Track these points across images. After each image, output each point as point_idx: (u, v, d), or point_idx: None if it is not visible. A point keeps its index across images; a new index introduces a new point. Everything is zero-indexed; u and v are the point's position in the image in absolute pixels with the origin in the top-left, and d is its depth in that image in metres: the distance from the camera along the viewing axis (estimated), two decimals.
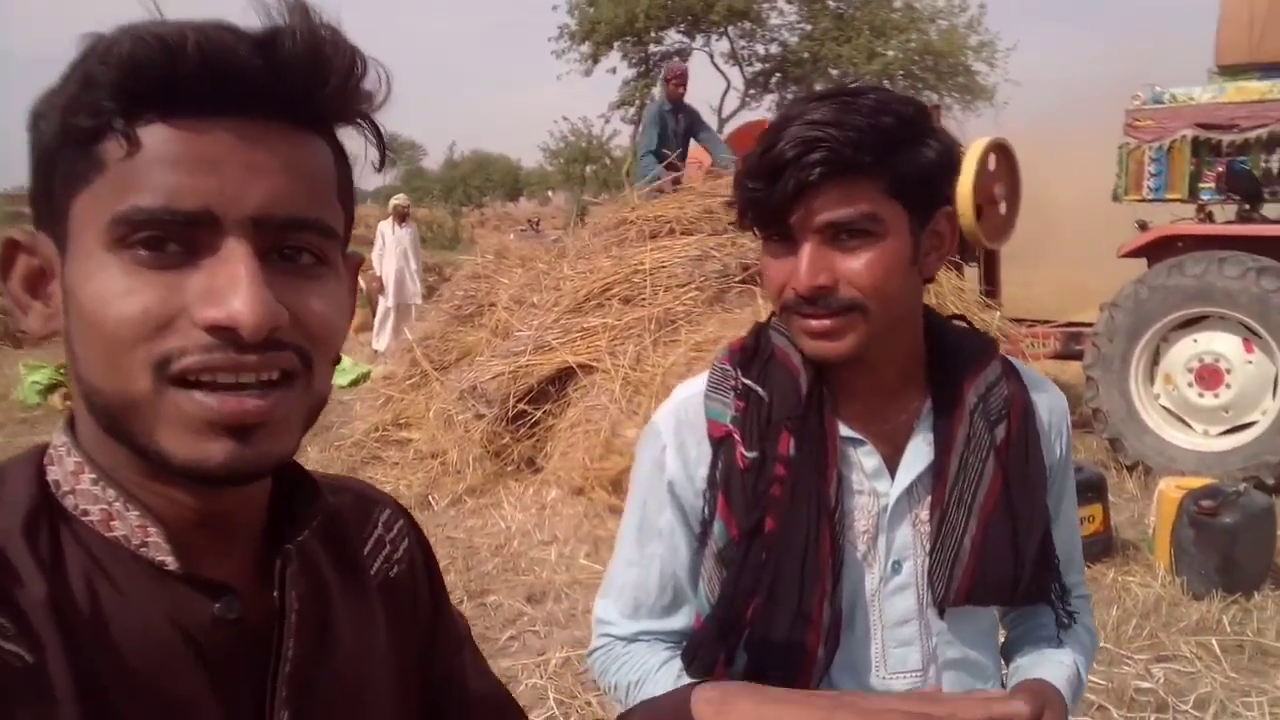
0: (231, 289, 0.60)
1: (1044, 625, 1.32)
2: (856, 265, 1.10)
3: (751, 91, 28.03)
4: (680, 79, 8.55)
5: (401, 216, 11.24)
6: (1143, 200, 6.60)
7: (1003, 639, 1.39)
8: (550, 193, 50.54)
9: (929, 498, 1.21)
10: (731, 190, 1.16)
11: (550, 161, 40.96)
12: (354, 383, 9.14)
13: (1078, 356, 6.64)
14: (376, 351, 10.65)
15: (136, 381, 0.61)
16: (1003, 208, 8.05)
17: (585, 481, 5.57)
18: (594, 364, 5.98)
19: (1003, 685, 1.31)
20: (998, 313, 6.68)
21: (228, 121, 0.62)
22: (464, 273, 7.89)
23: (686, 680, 1.19)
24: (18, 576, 0.62)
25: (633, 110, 27.09)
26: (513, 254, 7.85)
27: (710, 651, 1.19)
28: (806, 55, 26.55)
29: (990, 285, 7.97)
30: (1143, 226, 6.66)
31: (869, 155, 1.07)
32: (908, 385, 1.24)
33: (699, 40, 27.13)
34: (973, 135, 8.52)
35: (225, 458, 0.62)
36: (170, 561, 0.66)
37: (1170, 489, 4.63)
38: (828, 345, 1.14)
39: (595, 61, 26.50)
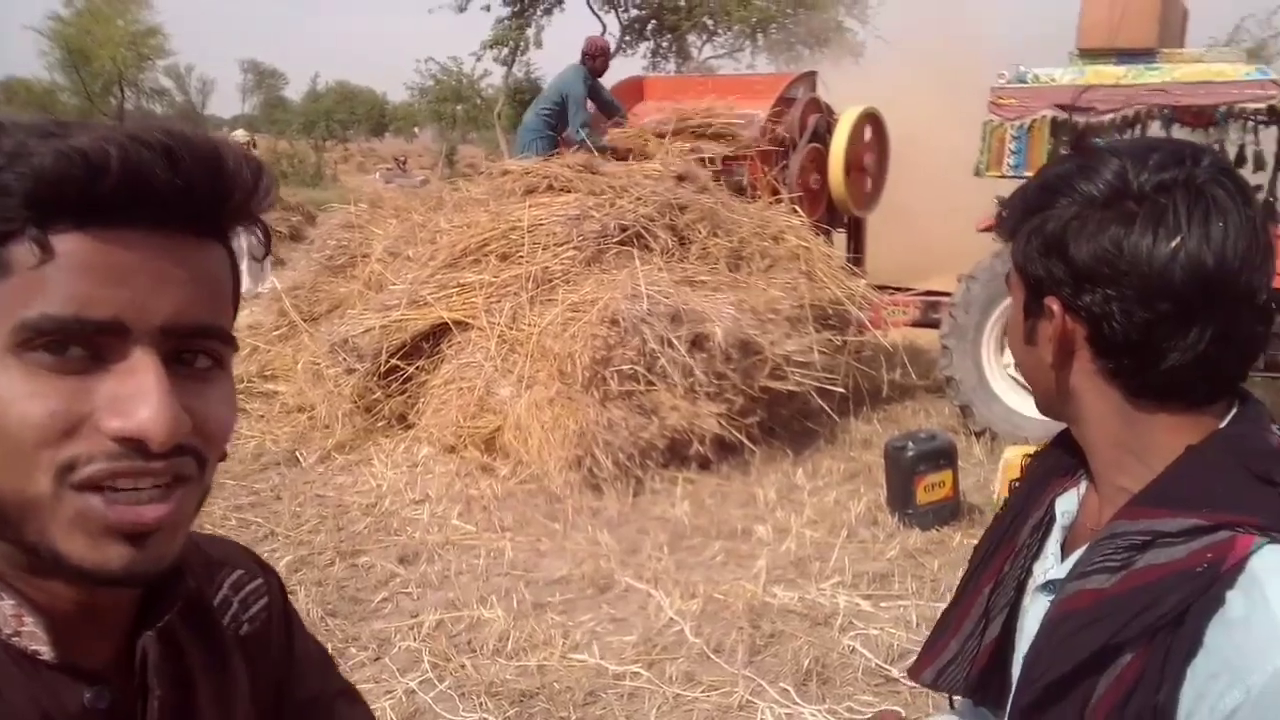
0: (141, 399, 0.61)
1: None
2: None
3: (627, 38, 27.79)
4: (607, 54, 8.46)
5: None
6: (1003, 177, 6.86)
7: None
8: (416, 130, 49.38)
9: None
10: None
11: (418, 99, 39.93)
12: None
13: (935, 325, 6.91)
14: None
15: (36, 483, 0.61)
16: (870, 178, 8.30)
17: (458, 440, 5.56)
18: (470, 321, 5.94)
19: None
20: (863, 280, 6.89)
21: (139, 232, 0.63)
22: (335, 221, 7.66)
23: None
24: None
25: (505, 51, 26.59)
26: (387, 204, 7.69)
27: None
28: (682, 3, 26.47)
29: (857, 253, 8.22)
30: (1002, 203, 6.93)
31: (1008, 219, 1.09)
32: (1117, 494, 1.03)
33: None
34: (844, 97, 8.70)
35: (124, 563, 0.63)
36: (45, 651, 0.66)
37: (1015, 456, 4.84)
38: None
39: None
